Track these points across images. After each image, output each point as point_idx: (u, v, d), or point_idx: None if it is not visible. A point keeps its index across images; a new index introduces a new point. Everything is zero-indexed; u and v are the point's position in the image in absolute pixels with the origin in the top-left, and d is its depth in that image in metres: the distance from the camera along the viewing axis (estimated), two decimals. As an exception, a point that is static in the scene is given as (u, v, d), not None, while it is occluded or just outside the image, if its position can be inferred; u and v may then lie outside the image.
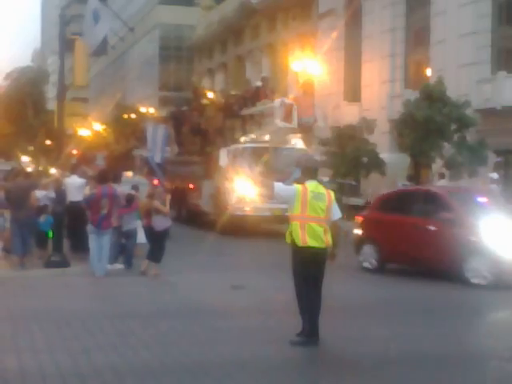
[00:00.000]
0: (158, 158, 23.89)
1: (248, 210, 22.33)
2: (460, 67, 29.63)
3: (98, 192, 14.77)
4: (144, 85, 74.45)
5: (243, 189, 22.15)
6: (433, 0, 32.01)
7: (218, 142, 26.49)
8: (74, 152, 44.60)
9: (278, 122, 23.37)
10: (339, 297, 11.89)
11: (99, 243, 14.60)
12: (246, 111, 26.51)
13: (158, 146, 24.14)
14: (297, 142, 23.56)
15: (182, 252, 18.55)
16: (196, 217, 26.81)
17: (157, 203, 14.80)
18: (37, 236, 16.30)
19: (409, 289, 13.85)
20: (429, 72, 31.62)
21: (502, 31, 29.31)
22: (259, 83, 29.03)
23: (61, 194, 16.21)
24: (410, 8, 34.38)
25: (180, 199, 26.78)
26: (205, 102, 31.03)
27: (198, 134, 28.62)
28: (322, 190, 9.00)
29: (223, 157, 23.99)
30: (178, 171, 28.12)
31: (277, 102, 24.28)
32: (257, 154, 22.56)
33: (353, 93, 38.33)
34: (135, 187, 17.21)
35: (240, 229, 22.52)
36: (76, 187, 17.03)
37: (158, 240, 14.74)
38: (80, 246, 16.35)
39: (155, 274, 14.59)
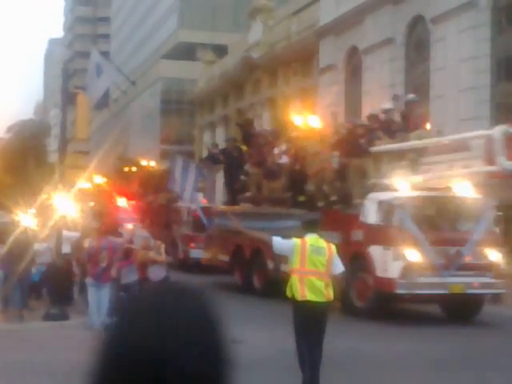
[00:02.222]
0: (187, 200, 23.60)
1: (419, 286, 16.03)
2: (459, 121, 29.90)
3: (97, 244, 14.80)
4: (145, 138, 74.93)
5: (411, 256, 16.19)
6: (432, 56, 32.44)
7: (328, 189, 19.82)
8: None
9: (485, 163, 16.14)
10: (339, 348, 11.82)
11: (98, 296, 14.57)
12: (383, 146, 18.89)
13: (188, 187, 23.59)
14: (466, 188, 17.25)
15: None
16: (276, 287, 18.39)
17: (152, 253, 14.85)
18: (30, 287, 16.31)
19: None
20: (428, 127, 31.86)
21: (501, 87, 29.66)
22: (389, 106, 21.57)
23: (61, 246, 16.27)
24: (409, 64, 34.82)
25: (250, 262, 21.45)
26: (297, 133, 23.52)
27: (279, 179, 21.98)
28: (322, 243, 9.03)
29: (370, 209, 17.32)
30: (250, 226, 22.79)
31: (498, 129, 16.15)
32: (429, 205, 17.30)
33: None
34: (130, 240, 17.19)
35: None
36: (64, 239, 17.13)
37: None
38: (61, 298, 16.19)
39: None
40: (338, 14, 38.51)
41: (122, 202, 38.43)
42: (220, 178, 25.99)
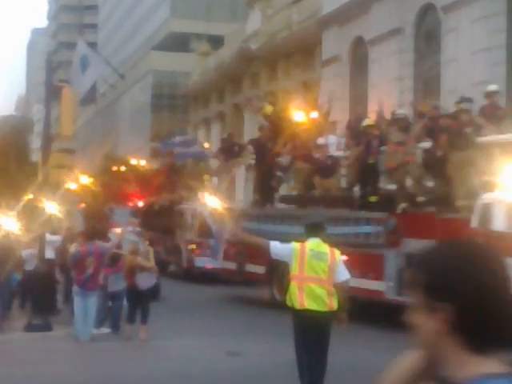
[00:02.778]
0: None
1: None
2: (473, 118, 29.91)
3: (83, 250, 14.82)
4: (135, 135, 74.95)
5: None
6: (443, 47, 32.46)
7: (415, 187, 17.72)
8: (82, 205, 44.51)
9: None
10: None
11: (84, 305, 14.58)
12: (497, 136, 16.45)
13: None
14: None
15: (174, 315, 18.49)
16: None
17: (140, 259, 14.88)
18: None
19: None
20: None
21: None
22: (494, 88, 20.06)
23: (44, 251, 16.30)
24: (418, 56, 34.83)
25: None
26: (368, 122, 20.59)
27: (335, 174, 20.26)
28: (324, 248, 9.03)
29: (493, 213, 14.97)
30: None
31: None
32: None
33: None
34: (118, 245, 17.18)
35: None
36: (48, 244, 17.17)
37: (142, 300, 14.77)
38: (44, 307, 16.21)
39: (143, 339, 14.55)
40: (342, 3, 38.52)
41: (117, 203, 38.14)
42: (240, 175, 24.32)
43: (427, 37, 34.35)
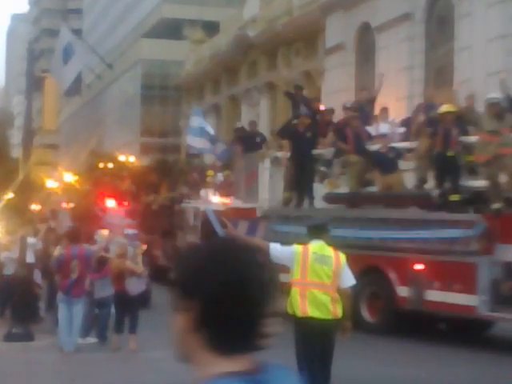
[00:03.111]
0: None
1: None
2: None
3: (67, 253, 14.81)
4: (123, 129, 74.93)
5: None
6: (456, 34, 32.46)
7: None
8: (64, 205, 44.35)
9: None
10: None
11: (69, 313, 14.57)
12: None
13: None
14: None
15: (166, 323, 18.47)
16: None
17: (129, 263, 14.88)
18: None
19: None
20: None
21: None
22: None
23: (25, 255, 16.28)
24: (430, 43, 34.82)
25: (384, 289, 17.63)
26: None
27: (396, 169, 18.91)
28: (328, 251, 9.03)
29: None
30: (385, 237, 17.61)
31: None
32: None
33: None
34: (105, 248, 17.17)
35: None
36: (29, 247, 17.17)
37: (131, 307, 14.77)
38: (26, 315, 16.19)
39: (133, 350, 14.55)
40: (347, -14, 38.53)
41: (110, 203, 37.74)
42: (263, 170, 22.66)
43: (439, 23, 34.34)
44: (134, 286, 14.84)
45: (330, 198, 19.71)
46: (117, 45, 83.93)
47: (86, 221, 32.35)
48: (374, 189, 18.99)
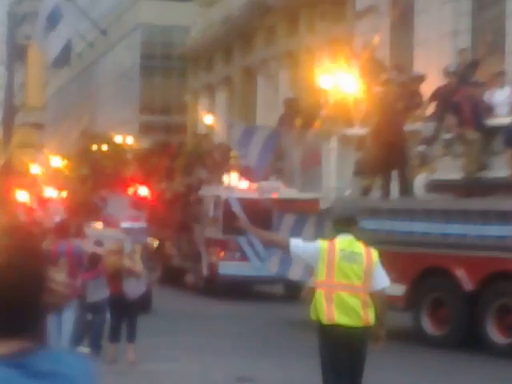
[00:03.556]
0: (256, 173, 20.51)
1: None
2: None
3: (53, 249, 14.86)
4: (120, 106, 75.01)
5: None
6: (509, -6, 32.34)
7: None
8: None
9: None
10: None
11: (57, 319, 14.64)
12: None
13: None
14: None
15: (169, 331, 18.56)
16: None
17: (128, 262, 14.93)
18: None
19: None
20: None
21: None
22: None
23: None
24: (477, 5, 34.70)
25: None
26: None
27: None
28: (358, 248, 9.02)
29: None
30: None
31: None
32: None
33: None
34: (98, 242, 17.17)
35: None
36: None
37: (129, 312, 14.82)
38: None
39: (131, 361, 14.60)
40: None
41: (111, 191, 36.94)
42: (328, 151, 20.89)
43: (488, -19, 34.25)
44: (133, 288, 14.88)
45: (435, 186, 18.41)
46: (112, 8, 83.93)
47: (82, 212, 31.98)
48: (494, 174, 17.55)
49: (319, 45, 44.31)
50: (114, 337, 15.03)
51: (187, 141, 53.33)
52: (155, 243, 29.19)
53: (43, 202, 37.90)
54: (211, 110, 56.60)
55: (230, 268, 25.49)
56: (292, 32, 48.27)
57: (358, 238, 9.16)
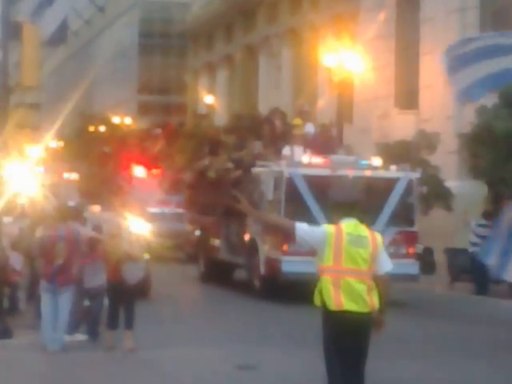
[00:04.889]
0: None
1: None
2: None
3: (52, 234, 14.81)
4: (118, 85, 74.95)
5: None
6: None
7: None
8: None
9: None
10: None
11: (54, 305, 14.60)
12: None
13: None
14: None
15: (169, 317, 18.53)
16: None
17: (129, 246, 14.88)
18: None
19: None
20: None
21: None
22: None
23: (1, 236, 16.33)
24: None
25: None
26: None
27: None
28: (363, 231, 9.00)
29: None
30: None
31: None
32: None
33: (407, 96, 38.38)
34: (97, 227, 17.09)
35: None
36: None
37: (127, 298, 14.78)
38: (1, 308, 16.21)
39: (130, 349, 14.57)
40: None
41: (138, 171, 33.44)
42: None
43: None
44: (132, 273, 14.84)
45: None
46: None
47: (104, 195, 29.71)
48: None
49: (323, 21, 44.20)
50: (112, 323, 14.98)
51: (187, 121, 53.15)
52: (196, 232, 26.90)
53: (57, 185, 36.09)
54: (211, 90, 56.52)
55: (296, 265, 20.26)
56: (295, 8, 48.13)
57: (361, 221, 9.15)
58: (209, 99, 52.96)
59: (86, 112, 67.87)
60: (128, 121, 59.22)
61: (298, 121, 23.88)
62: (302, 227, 8.99)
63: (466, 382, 13.09)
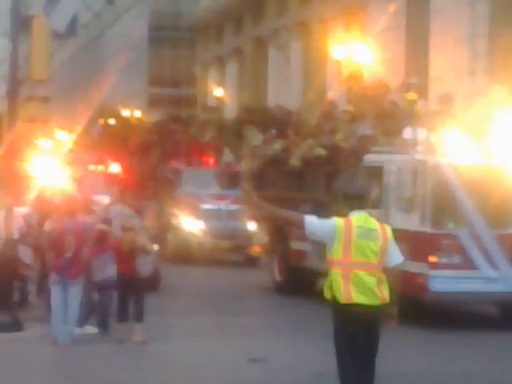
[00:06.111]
0: None
1: None
2: None
3: (60, 226, 14.83)
4: (128, 79, 74.93)
5: None
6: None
7: None
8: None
9: None
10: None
11: (64, 298, 14.62)
12: None
13: None
14: None
15: (179, 310, 18.55)
16: None
17: (142, 239, 14.93)
18: None
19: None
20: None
21: None
22: None
23: (12, 230, 16.34)
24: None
25: None
26: None
27: None
28: (373, 224, 8.99)
29: None
30: None
31: None
32: None
33: (418, 89, 38.23)
34: (107, 220, 17.06)
35: None
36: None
37: (137, 290, 14.82)
38: (11, 301, 16.23)
39: (141, 341, 14.59)
40: None
41: (189, 162, 30.89)
42: None
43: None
44: (144, 266, 14.95)
45: None
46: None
47: (148, 188, 28.51)
48: None
49: (332, 14, 44.11)
50: (122, 316, 15.01)
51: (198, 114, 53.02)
52: (267, 233, 22.32)
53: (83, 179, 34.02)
54: (221, 83, 56.49)
55: (447, 282, 16.27)
56: (304, 0, 48.03)
57: (371, 214, 9.14)
58: (218, 92, 52.88)
59: (96, 105, 67.80)
60: (138, 113, 59.12)
61: (413, 95, 19.78)
62: (311, 220, 8.97)
63: (482, 374, 13.07)
